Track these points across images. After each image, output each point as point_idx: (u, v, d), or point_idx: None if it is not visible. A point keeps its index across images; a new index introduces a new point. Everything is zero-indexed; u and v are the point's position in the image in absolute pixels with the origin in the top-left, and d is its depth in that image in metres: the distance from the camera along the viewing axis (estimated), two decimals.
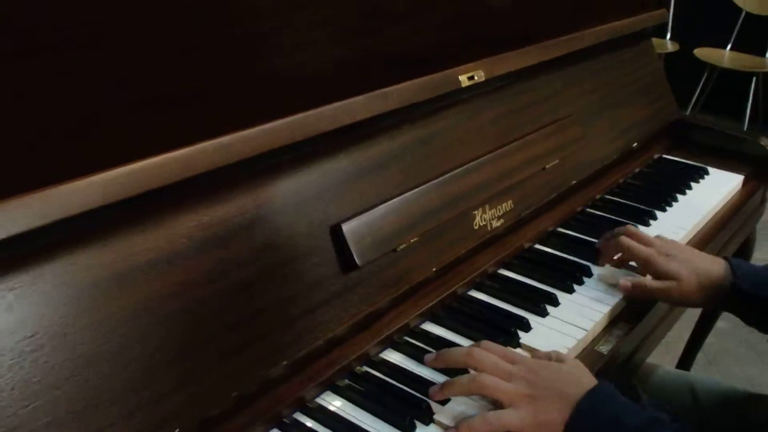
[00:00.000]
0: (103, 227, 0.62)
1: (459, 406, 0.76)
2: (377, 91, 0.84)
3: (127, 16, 0.62)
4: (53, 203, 0.55)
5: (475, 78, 0.96)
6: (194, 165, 0.66)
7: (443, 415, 0.74)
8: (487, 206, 1.00)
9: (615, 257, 1.00)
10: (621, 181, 1.34)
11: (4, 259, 0.55)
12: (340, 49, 0.81)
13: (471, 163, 0.98)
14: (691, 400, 1.03)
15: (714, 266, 0.91)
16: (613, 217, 1.20)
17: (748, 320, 0.92)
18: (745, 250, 1.50)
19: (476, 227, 0.98)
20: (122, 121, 0.63)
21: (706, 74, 3.82)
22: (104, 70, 0.61)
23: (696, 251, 0.95)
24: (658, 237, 0.99)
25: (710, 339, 1.66)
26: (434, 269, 0.92)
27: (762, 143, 1.47)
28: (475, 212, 0.98)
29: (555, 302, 0.94)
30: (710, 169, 1.41)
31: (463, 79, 0.95)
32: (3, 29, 0.54)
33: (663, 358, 1.73)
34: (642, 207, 1.23)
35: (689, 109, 3.91)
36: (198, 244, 0.68)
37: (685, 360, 1.66)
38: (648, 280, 0.94)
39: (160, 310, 0.65)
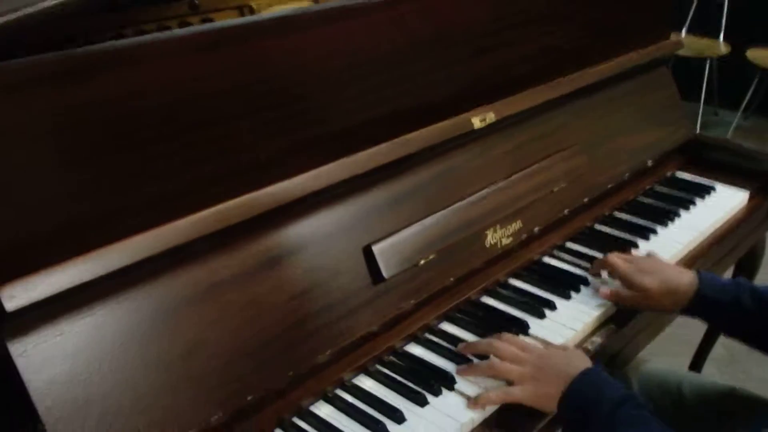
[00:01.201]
0: (200, 252, 0.86)
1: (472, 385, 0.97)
2: (400, 138, 1.06)
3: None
4: (176, 233, 0.79)
5: (487, 120, 1.17)
6: (258, 205, 0.89)
7: (462, 385, 0.96)
8: (498, 226, 1.20)
9: (603, 273, 1.19)
10: (632, 198, 1.51)
11: (156, 270, 0.80)
12: (372, 111, 1.02)
13: (483, 191, 1.18)
14: (677, 394, 1.20)
15: (683, 276, 1.09)
16: (618, 232, 1.38)
17: (712, 323, 1.10)
18: (749, 265, 1.65)
19: (488, 245, 1.18)
20: (221, 178, 0.87)
21: (758, 76, 3.84)
22: (216, 146, 0.85)
23: (668, 265, 1.14)
24: (648, 254, 1.18)
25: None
26: (451, 279, 1.13)
27: None
28: (487, 232, 1.18)
29: (553, 307, 1.13)
30: (717, 186, 1.56)
31: (476, 122, 1.15)
32: None
33: (678, 358, 1.86)
34: (645, 223, 1.40)
35: (739, 112, 3.96)
36: (265, 263, 0.92)
37: (698, 359, 1.81)
38: (622, 290, 1.13)
39: (240, 313, 0.88)
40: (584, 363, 0.95)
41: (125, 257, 0.78)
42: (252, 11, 1.07)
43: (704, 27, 3.88)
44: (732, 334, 1.11)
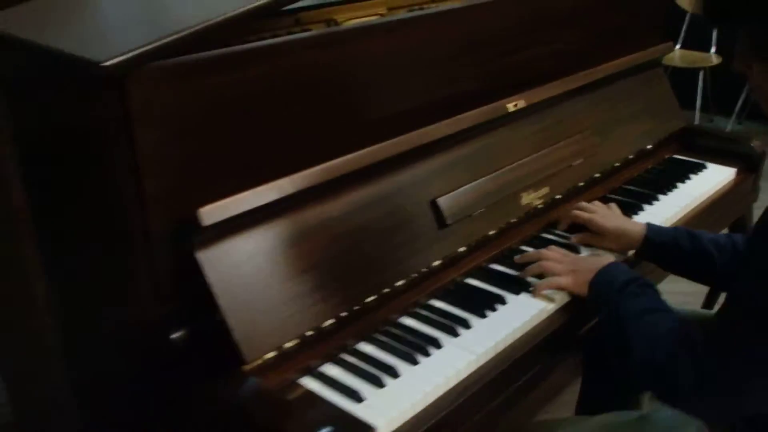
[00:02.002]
0: (311, 198, 1.16)
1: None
2: (455, 117, 1.36)
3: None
4: (302, 179, 1.09)
5: (518, 105, 1.47)
6: (355, 163, 1.19)
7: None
8: (531, 190, 1.50)
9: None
10: (636, 174, 1.81)
11: (288, 208, 1.09)
12: (434, 95, 1.33)
13: (518, 162, 1.49)
14: None
15: (635, 225, 1.41)
16: (626, 199, 1.67)
17: (661, 265, 1.40)
18: (740, 228, 1.94)
19: (523, 204, 1.48)
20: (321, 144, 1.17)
21: (747, 84, 4.16)
22: (333, 116, 1.15)
23: (623, 216, 1.47)
24: (608, 206, 1.51)
25: None
26: (495, 230, 1.43)
27: (752, 144, 1.92)
28: (522, 194, 1.48)
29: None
30: (708, 164, 1.87)
31: (510, 107, 1.46)
32: None
33: None
34: (648, 192, 1.70)
35: (732, 118, 4.28)
36: (360, 207, 1.21)
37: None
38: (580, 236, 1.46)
39: (341, 243, 1.18)
40: (605, 260, 1.27)
41: (274, 194, 1.08)
42: (336, 23, 1.39)
43: (696, 42, 4.22)
44: (675, 272, 1.41)
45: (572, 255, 1.36)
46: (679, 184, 1.76)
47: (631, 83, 1.86)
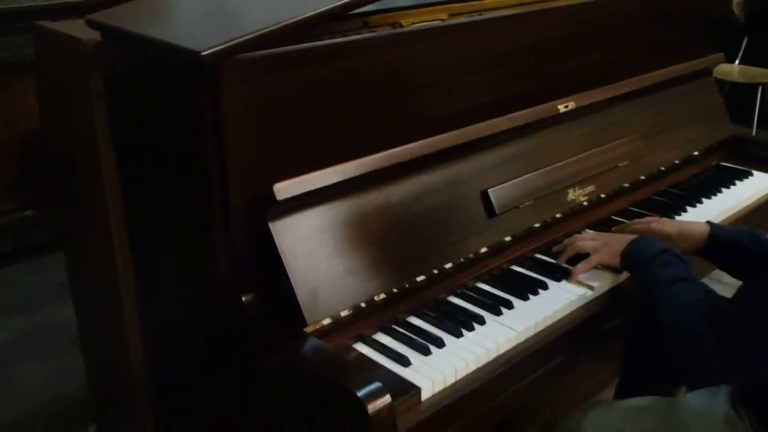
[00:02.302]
0: (374, 182, 1.28)
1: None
2: (507, 116, 1.46)
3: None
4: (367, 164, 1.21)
5: (568, 107, 1.57)
6: (415, 152, 1.31)
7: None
8: (576, 187, 1.59)
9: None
10: (682, 179, 1.88)
11: (352, 190, 1.22)
12: (493, 94, 1.44)
13: (566, 160, 1.58)
14: None
15: (698, 225, 1.45)
16: (670, 202, 1.75)
17: (721, 264, 1.45)
18: None
19: (568, 200, 1.57)
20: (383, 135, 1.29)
21: None
22: (399, 107, 1.27)
23: (683, 221, 1.53)
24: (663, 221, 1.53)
25: None
26: (540, 223, 1.52)
27: None
28: (568, 190, 1.57)
29: None
30: (755, 172, 1.92)
31: (561, 108, 1.55)
32: None
33: None
34: (692, 195, 1.77)
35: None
36: (418, 194, 1.33)
37: None
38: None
39: (400, 227, 1.30)
40: (635, 235, 1.37)
41: (339, 176, 1.20)
42: (401, 26, 1.51)
43: (755, 58, 4.20)
44: (734, 273, 1.44)
45: (605, 235, 1.46)
46: (724, 189, 1.82)
47: (680, 91, 1.92)
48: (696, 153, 1.93)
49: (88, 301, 1.82)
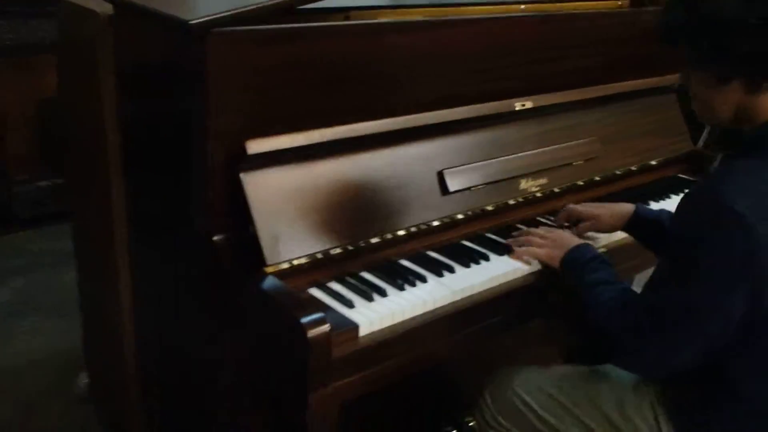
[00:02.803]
0: (337, 150, 1.46)
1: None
2: (467, 106, 1.65)
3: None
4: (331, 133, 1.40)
5: (525, 106, 1.75)
6: (376, 127, 1.49)
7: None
8: (530, 178, 1.76)
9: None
10: (637, 184, 2.04)
11: (317, 155, 1.41)
12: (452, 87, 1.63)
13: (522, 153, 1.76)
14: None
15: (625, 205, 1.64)
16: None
17: (644, 241, 1.62)
18: None
19: (521, 189, 1.75)
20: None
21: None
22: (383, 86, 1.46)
23: (615, 203, 1.69)
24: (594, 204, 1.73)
25: None
26: (492, 206, 1.70)
27: None
28: (522, 180, 1.75)
29: None
30: None
31: (517, 105, 1.73)
32: None
33: None
34: (640, 198, 1.92)
35: None
36: (372, 165, 1.51)
37: None
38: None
39: (350, 191, 1.48)
40: (578, 242, 1.52)
41: (304, 140, 1.39)
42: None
43: None
44: (655, 250, 1.60)
45: (555, 234, 1.60)
46: (673, 196, 1.98)
47: (642, 104, 2.10)
48: (654, 163, 2.10)
49: (89, 265, 2.01)
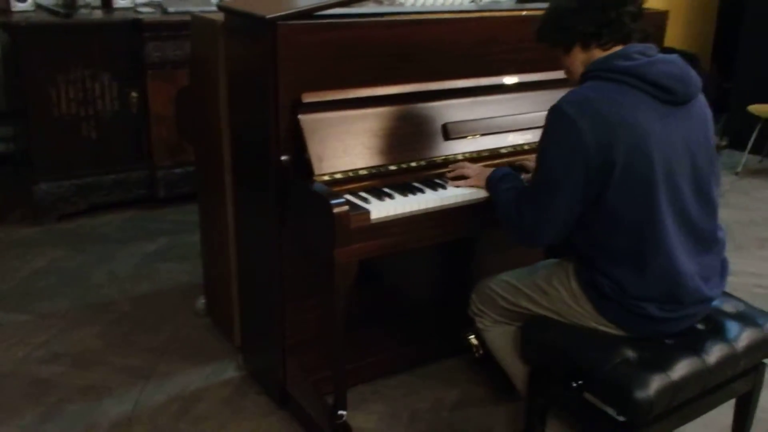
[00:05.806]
0: (371, 103, 2.16)
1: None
2: (469, 78, 2.30)
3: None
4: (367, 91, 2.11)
5: (511, 81, 2.38)
6: (392, 90, 2.18)
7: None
8: (517, 133, 2.38)
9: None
10: None
11: (356, 106, 2.12)
12: (458, 63, 2.30)
13: (512, 115, 2.38)
14: None
15: (489, 169, 2.18)
16: None
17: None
18: None
19: (509, 141, 2.37)
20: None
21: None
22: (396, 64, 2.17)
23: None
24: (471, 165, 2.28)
25: None
26: (488, 153, 2.33)
27: None
28: (510, 134, 2.37)
29: None
30: None
31: (506, 80, 2.37)
32: None
33: None
34: None
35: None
36: (395, 115, 2.19)
37: None
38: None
39: (377, 132, 2.17)
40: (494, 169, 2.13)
41: (344, 96, 2.10)
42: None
43: None
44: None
45: (477, 167, 2.21)
46: None
47: None
48: None
49: (209, 228, 2.81)
